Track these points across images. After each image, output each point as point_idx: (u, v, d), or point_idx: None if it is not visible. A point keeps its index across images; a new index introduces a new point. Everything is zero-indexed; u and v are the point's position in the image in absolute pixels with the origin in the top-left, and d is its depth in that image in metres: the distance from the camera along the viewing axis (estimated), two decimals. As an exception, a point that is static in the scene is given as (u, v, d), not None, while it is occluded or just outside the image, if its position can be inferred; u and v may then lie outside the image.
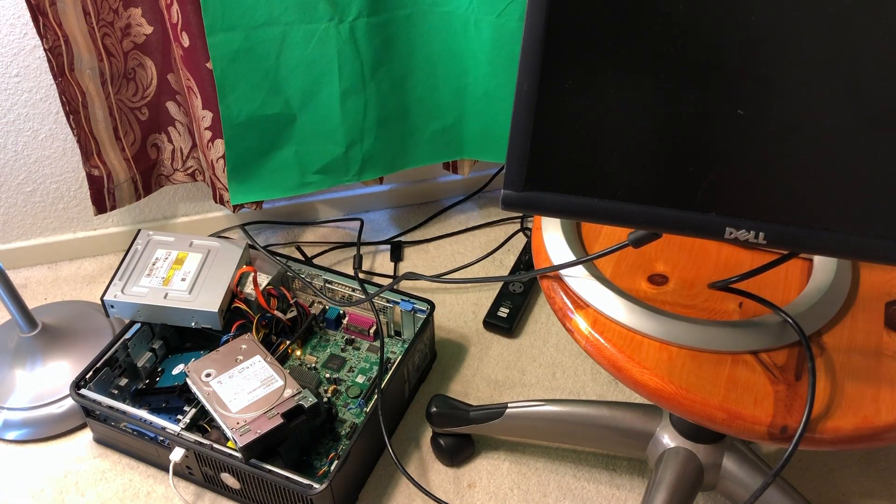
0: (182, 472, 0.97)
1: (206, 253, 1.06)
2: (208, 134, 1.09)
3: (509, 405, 0.93)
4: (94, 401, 0.96)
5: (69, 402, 1.04)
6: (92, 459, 1.01)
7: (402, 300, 1.06)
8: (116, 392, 1.00)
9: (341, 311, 1.11)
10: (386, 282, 1.13)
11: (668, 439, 0.84)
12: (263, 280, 1.07)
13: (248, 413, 0.88)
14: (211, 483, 0.96)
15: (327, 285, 1.12)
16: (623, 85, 0.54)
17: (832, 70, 0.50)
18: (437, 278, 1.25)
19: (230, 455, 0.88)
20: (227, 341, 1.00)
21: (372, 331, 1.09)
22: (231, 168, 1.10)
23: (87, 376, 0.98)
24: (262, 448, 0.88)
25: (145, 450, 0.97)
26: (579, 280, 0.69)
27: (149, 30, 1.05)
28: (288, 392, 0.90)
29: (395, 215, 1.40)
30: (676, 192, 0.56)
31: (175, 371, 1.03)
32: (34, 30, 0.99)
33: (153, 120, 1.15)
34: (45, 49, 0.98)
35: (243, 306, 1.03)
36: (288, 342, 1.07)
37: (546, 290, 0.72)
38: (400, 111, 1.14)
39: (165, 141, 1.18)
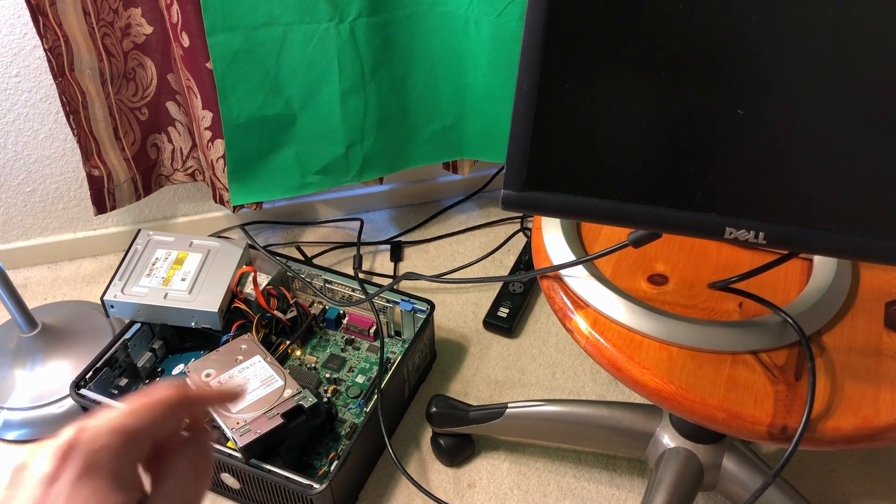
0: (182, 472, 0.97)
1: (206, 253, 1.06)
2: (208, 134, 1.09)
3: (509, 405, 0.93)
4: (94, 401, 0.96)
5: (69, 402, 1.04)
6: (92, 459, 1.01)
7: (402, 300, 1.06)
8: (116, 392, 1.00)
9: (341, 311, 1.11)
10: (386, 282, 1.13)
11: (668, 439, 0.84)
12: (263, 280, 1.06)
13: (248, 413, 0.88)
14: (211, 483, 0.96)
15: (327, 285, 1.12)
16: (623, 85, 0.54)
17: (832, 70, 0.50)
18: (437, 278, 1.25)
19: (230, 455, 0.88)
20: (227, 341, 1.00)
21: (372, 331, 1.09)
22: (231, 169, 1.10)
23: (87, 376, 0.98)
24: (262, 448, 0.88)
25: (145, 450, 0.97)
26: (579, 280, 0.69)
27: (149, 30, 1.05)
28: (288, 392, 0.90)
29: (395, 215, 1.40)
30: (676, 192, 0.56)
31: (175, 371, 1.03)
32: (34, 30, 0.99)
33: (153, 120, 1.15)
34: (45, 49, 0.98)
35: (243, 306, 1.03)
36: (288, 342, 1.07)
37: (546, 290, 0.72)
38: (400, 111, 1.14)
39: (165, 141, 1.18)
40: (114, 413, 0.34)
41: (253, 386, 0.91)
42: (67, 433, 0.33)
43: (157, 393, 0.36)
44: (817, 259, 0.71)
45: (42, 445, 0.33)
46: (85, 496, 0.32)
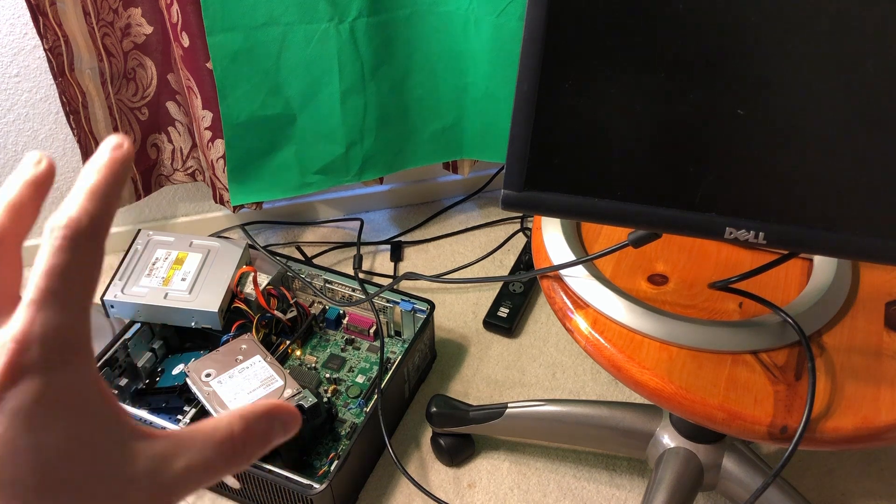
0: (182, 472, 0.97)
1: (206, 253, 1.06)
2: (208, 134, 1.09)
3: (509, 405, 0.93)
4: (94, 401, 0.95)
5: (69, 402, 1.04)
6: (92, 459, 1.01)
7: (402, 300, 1.06)
8: (116, 392, 1.00)
9: (341, 311, 1.11)
10: (386, 282, 1.13)
11: (668, 439, 0.84)
12: (263, 280, 1.06)
13: (248, 413, 0.88)
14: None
15: (327, 285, 1.12)
16: (623, 85, 0.54)
17: (832, 70, 0.50)
18: (437, 278, 1.25)
19: (230, 455, 0.88)
20: (227, 341, 1.00)
21: (372, 331, 1.09)
22: (231, 168, 1.10)
23: (87, 376, 0.97)
24: (262, 448, 0.87)
25: (145, 450, 0.98)
26: (579, 280, 0.69)
27: (149, 30, 1.05)
28: (288, 392, 0.90)
29: (395, 215, 1.40)
30: (676, 192, 0.56)
31: (175, 371, 1.03)
32: (34, 30, 0.99)
33: (153, 120, 1.15)
34: (45, 49, 0.98)
35: (243, 306, 1.03)
36: (288, 342, 1.07)
37: (546, 290, 0.72)
38: (400, 111, 1.14)
39: (165, 141, 1.18)
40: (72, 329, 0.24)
41: (253, 386, 0.91)
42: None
43: (60, 260, 0.24)
44: (817, 259, 0.71)
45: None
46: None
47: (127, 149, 0.26)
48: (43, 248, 0.24)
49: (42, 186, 0.26)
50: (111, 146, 0.25)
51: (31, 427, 0.22)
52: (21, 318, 0.23)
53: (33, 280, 0.24)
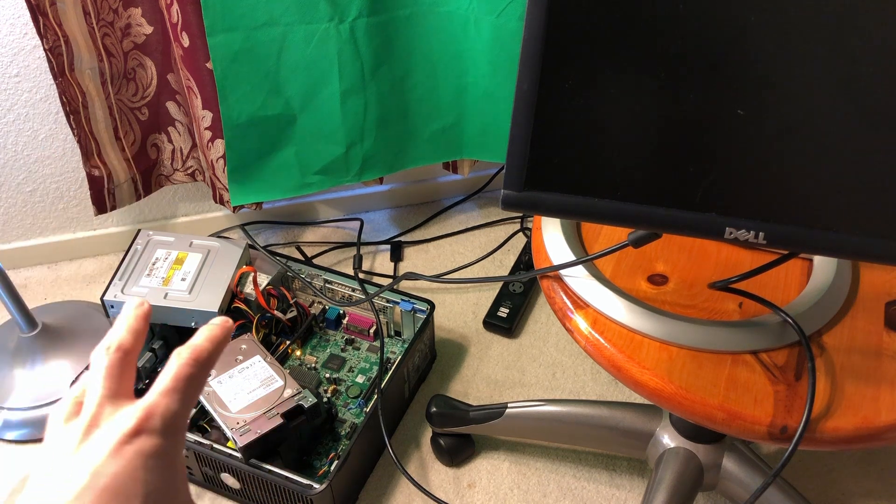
0: (182, 472, 0.97)
1: (206, 253, 1.06)
2: (208, 134, 1.09)
3: (509, 405, 0.93)
4: (94, 401, 0.95)
5: (69, 402, 1.04)
6: (92, 459, 1.01)
7: (402, 300, 1.06)
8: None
9: (341, 311, 1.11)
10: (386, 282, 1.13)
11: (668, 439, 0.84)
12: (263, 280, 1.07)
13: (247, 413, 0.88)
14: (211, 483, 0.96)
15: (327, 285, 1.12)
16: (623, 85, 0.54)
17: (832, 70, 0.50)
18: (437, 278, 1.25)
19: (230, 455, 0.88)
20: (227, 341, 1.00)
21: (372, 331, 1.09)
22: (231, 169, 1.10)
23: (87, 376, 0.97)
24: (262, 448, 0.88)
25: (145, 450, 0.97)
26: (579, 280, 0.69)
27: (149, 30, 1.05)
28: (288, 392, 0.90)
29: (395, 215, 1.40)
30: (676, 192, 0.56)
31: (175, 371, 1.03)
32: (34, 30, 0.99)
33: (153, 120, 1.15)
34: (45, 49, 0.98)
35: (243, 306, 1.03)
36: (288, 342, 1.07)
37: (546, 290, 0.72)
38: (400, 111, 1.14)
39: (165, 141, 1.18)
40: (174, 405, 0.36)
41: (253, 386, 0.91)
42: (135, 414, 0.35)
43: (184, 372, 0.37)
44: (817, 259, 0.71)
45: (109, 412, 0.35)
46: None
47: (231, 327, 0.40)
48: (173, 361, 0.37)
49: (147, 319, 0.39)
50: (223, 322, 0.39)
51: (146, 466, 0.34)
52: (152, 397, 0.36)
53: (165, 378, 0.36)
